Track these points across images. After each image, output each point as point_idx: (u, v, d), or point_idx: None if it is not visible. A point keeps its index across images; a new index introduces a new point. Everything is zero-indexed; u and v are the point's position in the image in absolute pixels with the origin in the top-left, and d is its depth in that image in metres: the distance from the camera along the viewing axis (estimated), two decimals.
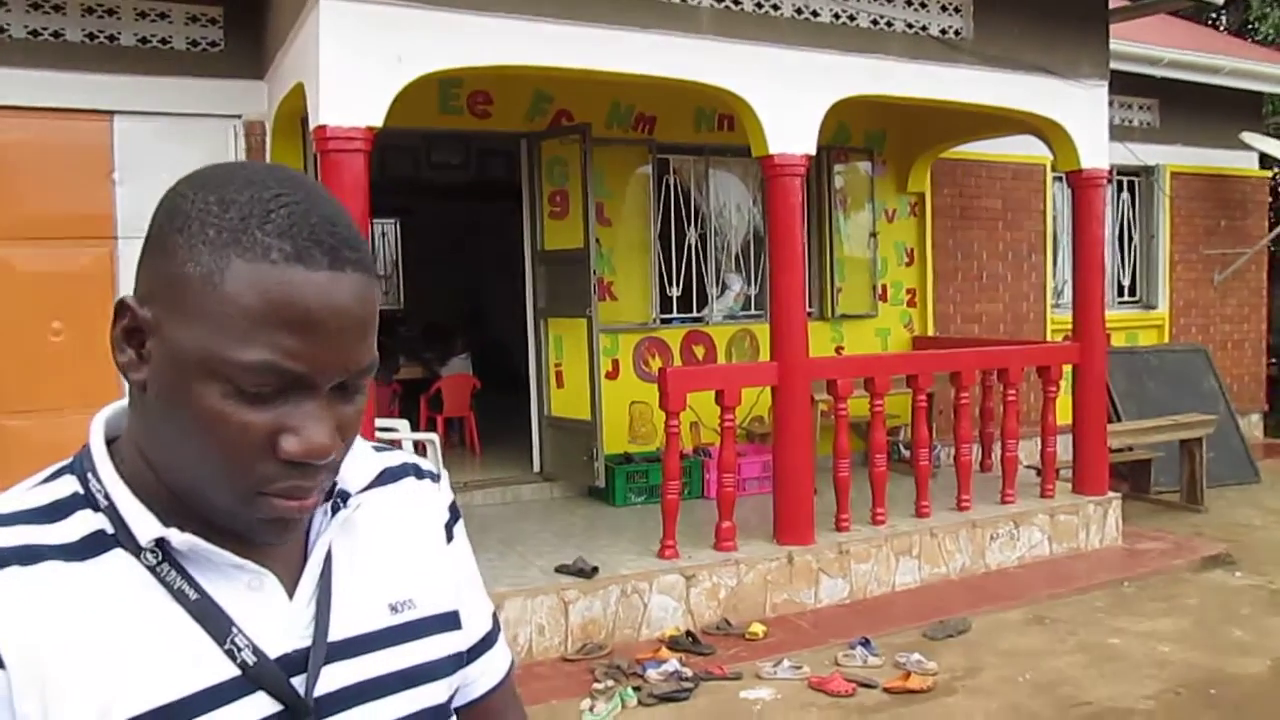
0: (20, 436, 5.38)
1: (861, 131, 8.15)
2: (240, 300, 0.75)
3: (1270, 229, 10.64)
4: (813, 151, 5.61)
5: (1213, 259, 10.20)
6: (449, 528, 1.03)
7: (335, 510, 0.90)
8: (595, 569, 5.16)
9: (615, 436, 7.12)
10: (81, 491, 0.83)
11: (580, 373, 6.80)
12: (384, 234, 13.84)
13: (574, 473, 6.95)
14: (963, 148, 8.34)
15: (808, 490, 5.70)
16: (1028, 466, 7.15)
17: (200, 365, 0.76)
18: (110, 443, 0.86)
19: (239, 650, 0.81)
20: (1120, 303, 9.75)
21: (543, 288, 7.13)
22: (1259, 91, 10.03)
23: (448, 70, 4.75)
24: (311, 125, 4.53)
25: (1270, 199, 11.33)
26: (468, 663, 1.01)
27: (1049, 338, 8.90)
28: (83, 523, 0.82)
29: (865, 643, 4.94)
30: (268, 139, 5.85)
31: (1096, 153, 6.56)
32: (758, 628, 5.21)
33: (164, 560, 0.82)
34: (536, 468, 7.28)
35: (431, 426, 8.05)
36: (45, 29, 5.43)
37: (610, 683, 4.53)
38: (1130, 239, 9.91)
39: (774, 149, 5.46)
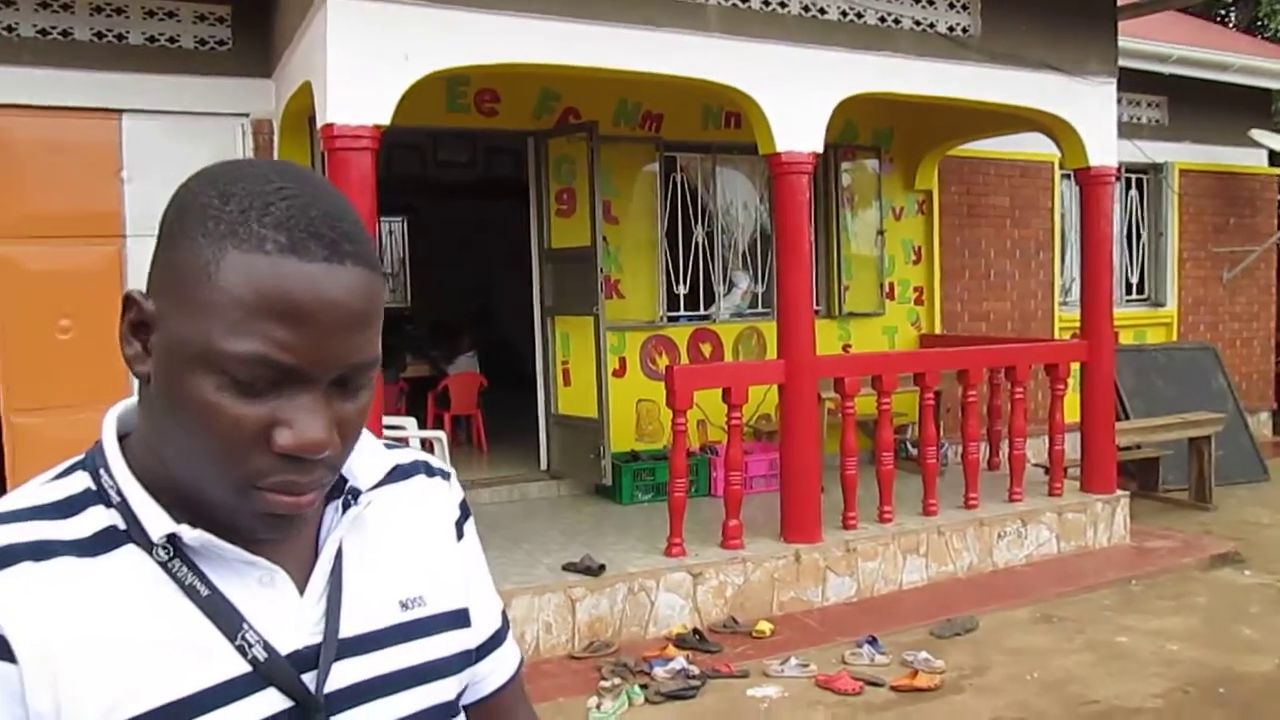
0: (30, 433, 5.41)
1: (869, 129, 8.14)
2: (234, 291, 0.75)
3: (1279, 226, 10.60)
4: (820, 149, 5.60)
5: (1221, 257, 10.17)
6: (459, 525, 1.03)
7: (346, 507, 0.91)
8: (602, 567, 5.17)
9: (622, 434, 7.12)
10: (94, 487, 0.84)
11: (587, 371, 6.81)
12: (391, 232, 13.85)
13: (581, 471, 6.95)
14: (970, 145, 8.32)
15: (815, 488, 5.69)
16: (1035, 465, 7.14)
17: (196, 357, 0.76)
18: (123, 439, 0.86)
19: (250, 646, 0.82)
20: (1128, 300, 9.72)
21: (550, 286, 7.13)
22: (1268, 89, 9.99)
23: (455, 68, 4.75)
24: (319, 124, 4.53)
25: None
26: (477, 660, 1.01)
27: (1057, 336, 8.89)
28: (95, 519, 0.82)
29: (872, 641, 4.94)
30: (275, 137, 5.86)
31: (1105, 150, 6.54)
32: (765, 626, 5.21)
33: (175, 556, 0.82)
34: (543, 465, 7.28)
35: (439, 424, 8.06)
36: (54, 28, 5.45)
37: (617, 680, 4.53)
38: (1139, 237, 9.88)
39: (781, 147, 5.46)
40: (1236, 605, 5.61)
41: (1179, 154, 9.72)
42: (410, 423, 6.71)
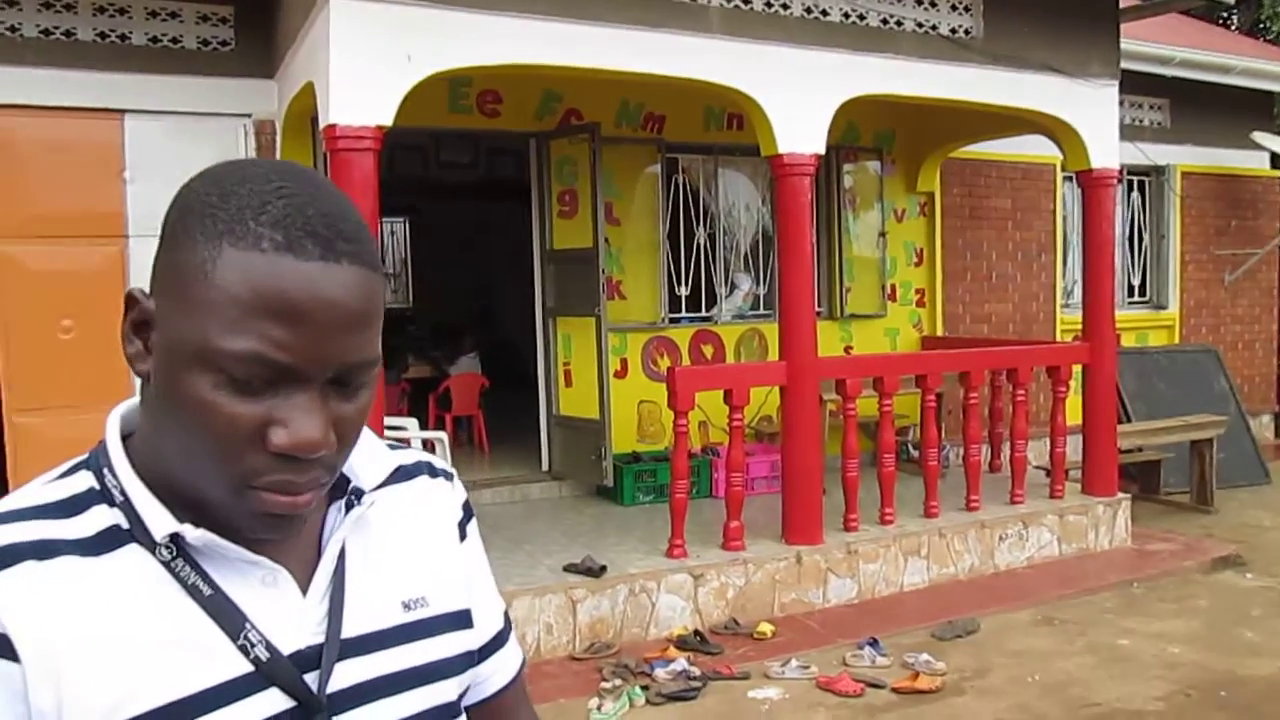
0: (31, 433, 5.41)
1: (871, 131, 8.14)
2: (229, 289, 0.75)
3: None
4: (822, 151, 5.60)
5: (1223, 259, 10.17)
6: (462, 526, 1.03)
7: (349, 508, 0.91)
8: (603, 568, 5.17)
9: (624, 436, 7.12)
10: (97, 487, 0.84)
11: (589, 372, 6.81)
12: (393, 233, 13.86)
13: (582, 472, 6.95)
14: (972, 147, 8.32)
15: (816, 490, 5.69)
16: (1037, 467, 7.14)
17: (193, 355, 0.76)
18: (127, 438, 0.86)
19: (252, 646, 0.82)
20: (1130, 303, 9.72)
21: (551, 287, 7.13)
22: (1270, 91, 9.99)
23: (457, 69, 4.75)
24: (321, 124, 4.54)
25: None
26: (479, 661, 1.01)
27: (1058, 338, 8.88)
28: (98, 518, 0.82)
29: (873, 643, 4.93)
30: (278, 138, 5.87)
31: (1107, 152, 6.54)
32: (766, 627, 5.20)
33: (178, 555, 0.82)
34: (545, 466, 7.28)
35: (440, 425, 8.07)
36: (57, 28, 5.45)
37: (618, 682, 4.53)
38: (1140, 239, 9.88)
39: (783, 148, 5.46)
40: (1238, 608, 5.60)
41: (1181, 156, 9.72)
42: (412, 423, 6.72)
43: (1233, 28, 15.30)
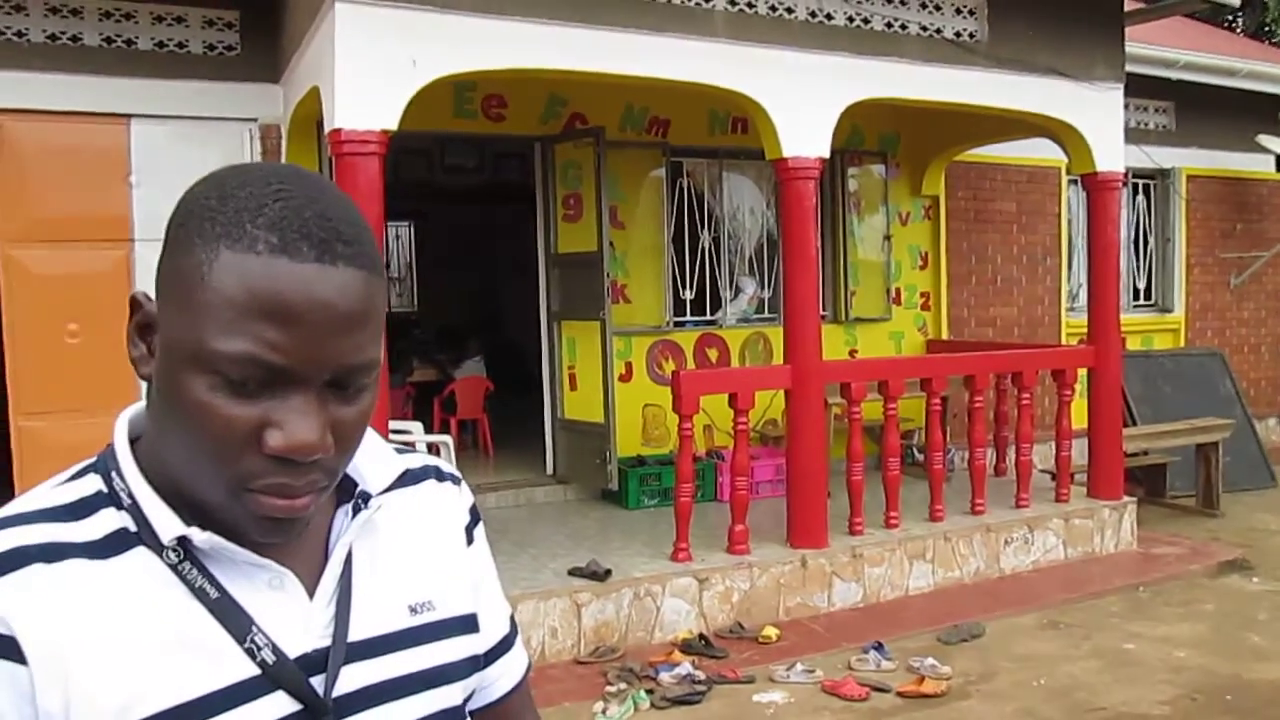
0: (37, 438, 5.42)
1: (875, 134, 8.14)
2: (225, 291, 0.75)
3: None
4: (826, 154, 5.60)
5: (1229, 262, 10.15)
6: (469, 530, 1.03)
7: (356, 511, 0.91)
8: (608, 572, 5.16)
9: (628, 439, 7.12)
10: (105, 490, 0.84)
11: (593, 375, 6.81)
12: (398, 237, 13.88)
13: (587, 475, 6.95)
14: (977, 151, 8.32)
15: (821, 494, 5.68)
16: (1042, 470, 7.13)
17: (191, 357, 0.76)
18: (135, 442, 0.87)
19: (258, 649, 0.82)
20: (1136, 306, 9.70)
21: (556, 290, 7.14)
22: (1276, 94, 9.94)
23: (462, 74, 4.76)
24: (326, 128, 4.55)
25: None
26: (485, 665, 1.01)
27: (1064, 341, 8.87)
28: (106, 521, 0.82)
29: (879, 647, 4.93)
30: (283, 142, 5.89)
31: (1112, 156, 6.53)
32: (771, 631, 5.20)
33: (185, 558, 0.82)
34: (550, 470, 7.28)
35: (445, 429, 8.07)
36: (63, 33, 5.47)
37: (623, 685, 4.52)
38: (1146, 242, 9.86)
39: (788, 152, 5.46)
40: (1244, 612, 5.59)
41: (1186, 159, 9.71)
42: (417, 427, 6.72)
43: (1238, 30, 15.29)
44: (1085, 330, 7.03)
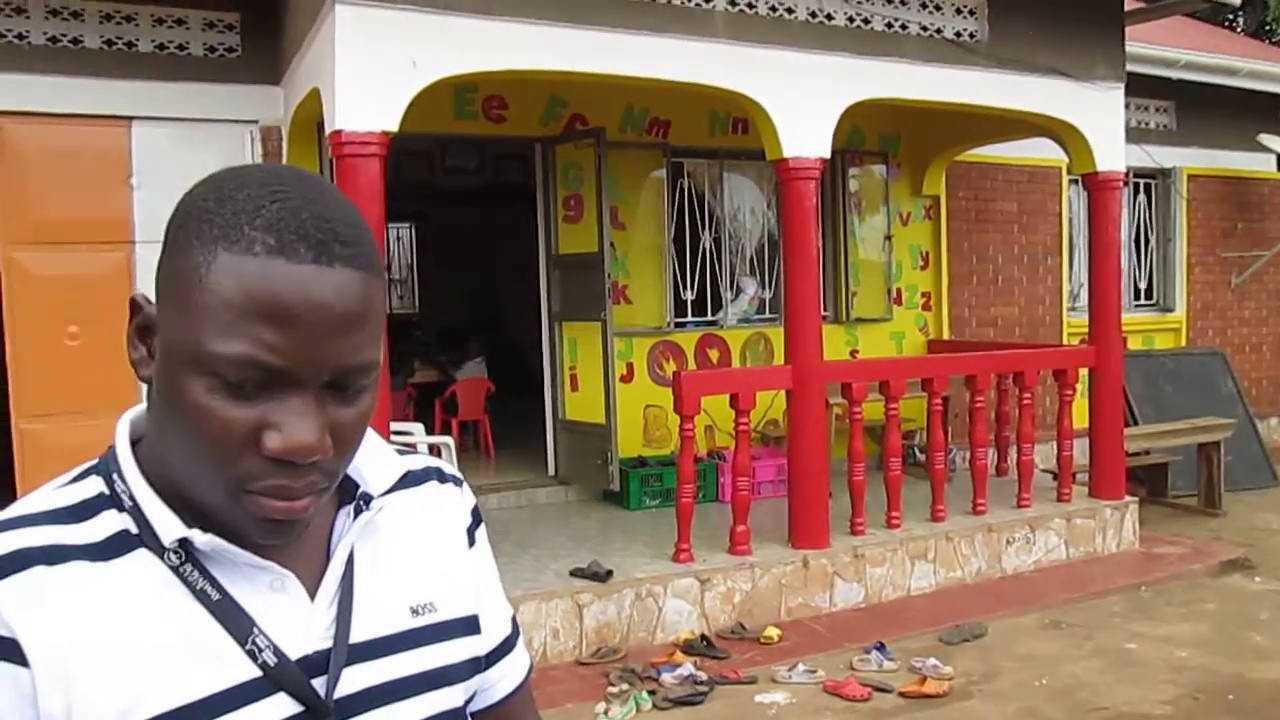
0: (38, 440, 5.43)
1: (876, 134, 8.14)
2: (222, 293, 0.75)
3: None
4: (827, 155, 5.60)
5: (1230, 261, 10.14)
6: (471, 532, 1.03)
7: (358, 513, 0.91)
8: (610, 572, 5.16)
9: (630, 440, 7.12)
10: (107, 492, 0.84)
11: (595, 376, 6.81)
12: (399, 238, 13.89)
13: (588, 476, 6.95)
14: (978, 151, 8.32)
15: (823, 494, 5.68)
16: (1044, 470, 7.12)
17: (189, 359, 0.76)
18: (136, 444, 0.87)
19: (260, 651, 0.82)
20: (1137, 306, 9.70)
21: (557, 291, 7.14)
22: (1276, 93, 9.95)
23: (462, 75, 4.76)
24: (327, 130, 4.55)
25: None
26: (487, 667, 1.01)
27: (1065, 341, 8.87)
28: (108, 523, 0.82)
29: (880, 647, 4.93)
30: (284, 144, 5.89)
31: (1112, 155, 6.53)
32: (772, 632, 5.20)
33: (187, 560, 0.82)
34: (551, 471, 7.28)
35: (446, 430, 8.07)
36: (64, 35, 5.48)
37: (625, 686, 4.52)
38: (1147, 242, 9.86)
39: (788, 152, 5.46)
40: (1246, 612, 5.58)
41: (1187, 159, 9.71)
42: (418, 428, 6.72)
43: (1238, 30, 15.29)
44: (1086, 330, 7.03)
